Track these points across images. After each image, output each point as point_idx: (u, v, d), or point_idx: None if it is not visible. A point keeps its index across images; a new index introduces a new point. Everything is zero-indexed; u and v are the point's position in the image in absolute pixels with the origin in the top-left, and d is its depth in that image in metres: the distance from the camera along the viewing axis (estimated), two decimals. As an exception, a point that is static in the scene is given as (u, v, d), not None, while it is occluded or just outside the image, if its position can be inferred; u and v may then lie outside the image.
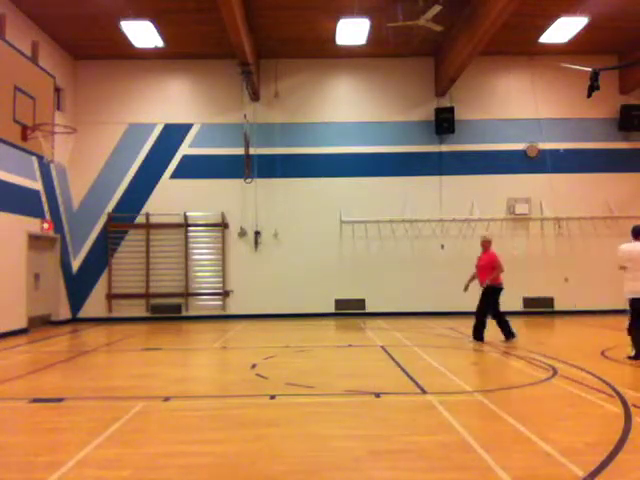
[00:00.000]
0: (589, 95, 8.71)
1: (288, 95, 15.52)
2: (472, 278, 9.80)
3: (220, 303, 15.18)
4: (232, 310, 15.09)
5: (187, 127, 15.41)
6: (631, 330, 7.57)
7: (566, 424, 4.60)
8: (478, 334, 9.43)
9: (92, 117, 15.20)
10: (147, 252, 15.01)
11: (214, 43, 14.10)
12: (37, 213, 13.05)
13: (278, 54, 15.19)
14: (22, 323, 12.18)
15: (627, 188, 15.35)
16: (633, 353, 7.50)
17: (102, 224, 15.11)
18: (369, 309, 15.03)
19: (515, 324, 13.17)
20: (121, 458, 3.93)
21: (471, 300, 10.41)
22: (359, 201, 15.16)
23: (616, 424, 4.48)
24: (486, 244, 9.69)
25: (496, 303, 9.42)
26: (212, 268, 15.25)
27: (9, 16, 10.87)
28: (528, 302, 15.11)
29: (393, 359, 7.97)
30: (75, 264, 14.98)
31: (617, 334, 10.91)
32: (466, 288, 9.77)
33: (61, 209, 14.35)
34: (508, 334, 9.40)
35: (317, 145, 15.42)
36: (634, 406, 5.01)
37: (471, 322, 9.68)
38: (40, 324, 13.34)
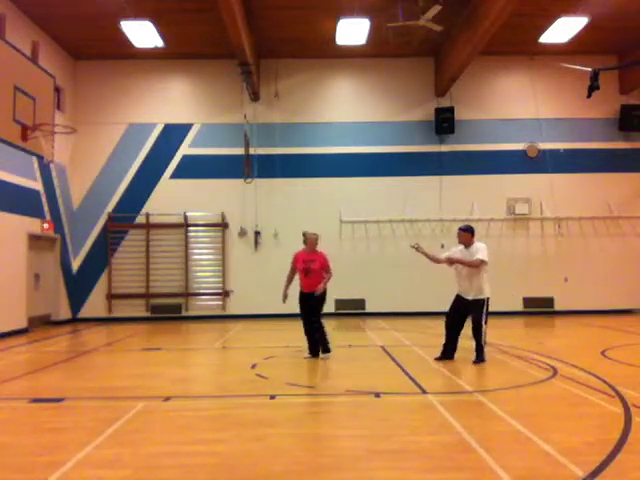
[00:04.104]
0: (589, 95, 8.70)
1: (288, 95, 15.52)
2: (290, 284, 8.27)
3: (220, 303, 15.18)
4: (232, 310, 15.09)
5: (187, 127, 15.41)
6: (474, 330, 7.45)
7: (566, 424, 4.60)
8: (325, 345, 8.07)
9: (92, 117, 15.20)
10: (147, 252, 15.01)
11: (214, 43, 14.10)
12: (37, 213, 13.05)
13: (278, 54, 15.19)
14: (22, 323, 12.17)
15: (627, 188, 15.36)
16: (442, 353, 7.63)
17: (102, 224, 15.11)
18: (369, 309, 15.03)
19: (515, 324, 13.24)
20: (121, 458, 3.92)
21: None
22: (359, 201, 15.16)
23: (616, 424, 4.47)
24: (314, 243, 8.10)
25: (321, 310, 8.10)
26: (212, 268, 15.25)
27: (9, 16, 10.87)
28: (528, 302, 15.11)
29: (393, 359, 7.97)
30: (75, 264, 14.98)
31: (617, 334, 10.92)
32: (285, 298, 8.16)
33: (61, 209, 14.35)
34: (327, 348, 8.11)
35: (317, 145, 15.42)
36: (634, 406, 5.01)
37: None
38: (40, 324, 13.34)
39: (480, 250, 7.38)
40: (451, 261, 7.53)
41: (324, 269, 8.01)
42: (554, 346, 9.22)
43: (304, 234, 8.24)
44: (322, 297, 8.05)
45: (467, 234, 7.54)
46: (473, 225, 7.94)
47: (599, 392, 5.60)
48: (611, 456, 3.76)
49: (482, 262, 7.30)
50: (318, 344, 8.06)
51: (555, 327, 12.90)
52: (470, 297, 7.41)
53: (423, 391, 5.84)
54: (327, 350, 8.12)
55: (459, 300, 7.56)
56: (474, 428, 4.44)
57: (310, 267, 7.95)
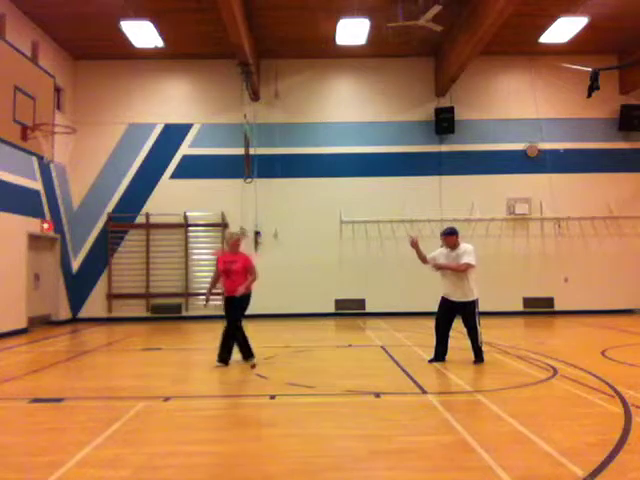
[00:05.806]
0: (589, 95, 8.71)
1: (288, 95, 15.51)
2: (214, 286, 8.01)
3: (220, 303, 15.11)
4: (232, 310, 15.07)
5: (187, 127, 15.41)
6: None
7: (566, 424, 4.60)
8: (247, 351, 7.83)
9: (92, 117, 15.20)
10: (147, 252, 15.01)
11: (214, 43, 14.10)
12: (37, 213, 13.05)
13: (278, 54, 15.19)
14: (22, 323, 12.17)
15: (627, 188, 15.35)
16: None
17: (102, 224, 15.10)
18: (369, 309, 15.03)
19: (515, 324, 13.24)
20: (121, 458, 3.92)
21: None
22: (359, 201, 15.15)
23: (616, 424, 4.48)
24: (237, 244, 7.79)
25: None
26: (212, 268, 15.17)
27: (9, 16, 10.89)
28: (528, 302, 15.11)
29: (393, 359, 7.98)
30: (75, 264, 14.98)
31: (617, 334, 10.92)
32: (208, 301, 8.09)
33: (61, 209, 14.35)
34: (249, 353, 7.84)
35: (317, 145, 15.41)
36: (634, 406, 5.01)
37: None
38: (40, 324, 13.34)
39: (467, 253, 7.24)
40: (438, 267, 7.46)
41: (247, 271, 7.66)
42: (554, 346, 9.22)
43: (231, 234, 8.17)
44: (245, 300, 7.73)
45: (453, 237, 7.41)
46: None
47: (599, 392, 5.60)
48: (611, 456, 3.76)
49: (469, 266, 7.19)
50: (242, 348, 7.78)
51: (555, 327, 12.89)
52: (457, 299, 7.33)
53: (423, 391, 5.85)
54: (250, 355, 7.78)
55: (445, 302, 7.51)
56: (474, 428, 4.45)
57: (231, 268, 7.60)
